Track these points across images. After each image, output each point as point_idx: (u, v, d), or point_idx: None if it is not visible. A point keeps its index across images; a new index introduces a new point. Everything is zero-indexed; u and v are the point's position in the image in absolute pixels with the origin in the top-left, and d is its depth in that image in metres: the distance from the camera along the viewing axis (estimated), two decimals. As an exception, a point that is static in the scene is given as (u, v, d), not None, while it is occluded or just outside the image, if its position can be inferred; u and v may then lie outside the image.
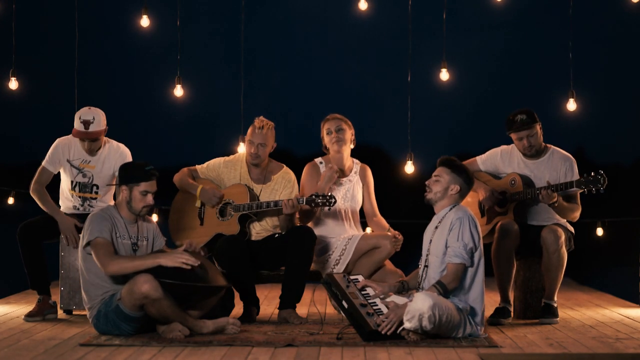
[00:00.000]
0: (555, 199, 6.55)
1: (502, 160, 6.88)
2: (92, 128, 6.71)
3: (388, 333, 5.63)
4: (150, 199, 5.97)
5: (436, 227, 5.91)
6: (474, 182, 6.12)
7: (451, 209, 5.90)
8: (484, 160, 6.95)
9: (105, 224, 5.89)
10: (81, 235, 5.97)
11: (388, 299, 5.87)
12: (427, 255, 5.91)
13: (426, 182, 5.97)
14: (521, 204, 6.72)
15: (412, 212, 8.60)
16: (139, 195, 5.97)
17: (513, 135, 6.77)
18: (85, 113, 6.74)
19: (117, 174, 6.18)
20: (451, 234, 5.80)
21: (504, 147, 6.92)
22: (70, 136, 6.86)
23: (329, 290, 5.96)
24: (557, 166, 6.74)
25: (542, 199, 6.55)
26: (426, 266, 5.91)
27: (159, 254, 5.87)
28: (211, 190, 6.77)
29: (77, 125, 6.73)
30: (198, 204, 6.82)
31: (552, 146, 6.82)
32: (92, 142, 6.77)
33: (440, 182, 5.91)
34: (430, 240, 5.91)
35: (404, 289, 6.05)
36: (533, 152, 6.75)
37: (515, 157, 6.83)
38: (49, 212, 6.75)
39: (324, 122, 6.95)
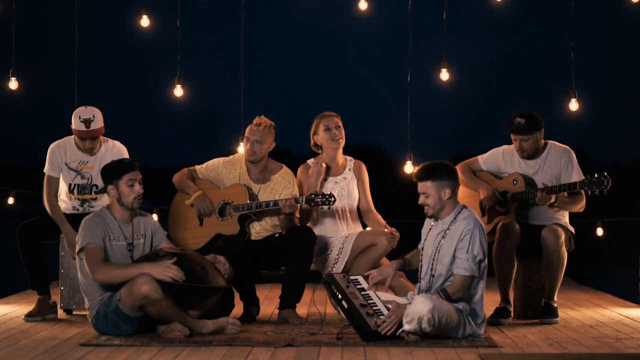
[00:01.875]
0: (553, 200, 6.54)
1: (504, 159, 6.86)
2: (93, 126, 6.70)
3: (388, 334, 5.62)
4: (138, 187, 5.97)
5: (443, 237, 5.84)
6: (455, 170, 5.96)
7: (456, 215, 5.83)
8: (486, 160, 6.94)
9: (98, 229, 5.88)
10: (76, 239, 5.97)
11: (389, 298, 5.86)
12: (432, 263, 5.85)
13: (419, 203, 5.88)
14: (522, 204, 6.71)
15: (412, 212, 8.58)
16: (126, 188, 5.95)
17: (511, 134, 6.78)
18: (84, 112, 6.72)
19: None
20: (461, 244, 5.75)
21: (505, 146, 6.91)
22: (64, 139, 6.83)
23: (329, 290, 5.95)
24: (556, 160, 6.73)
25: (539, 201, 6.54)
26: (432, 275, 5.87)
27: (144, 263, 5.80)
28: (208, 200, 6.74)
29: (77, 124, 6.71)
30: (189, 202, 6.78)
31: (550, 141, 6.81)
32: (92, 140, 6.75)
33: (431, 196, 5.83)
34: (437, 249, 5.84)
35: (406, 266, 6.03)
36: (525, 156, 6.74)
37: (516, 157, 6.81)
38: (58, 224, 6.73)
39: (320, 119, 6.91)
